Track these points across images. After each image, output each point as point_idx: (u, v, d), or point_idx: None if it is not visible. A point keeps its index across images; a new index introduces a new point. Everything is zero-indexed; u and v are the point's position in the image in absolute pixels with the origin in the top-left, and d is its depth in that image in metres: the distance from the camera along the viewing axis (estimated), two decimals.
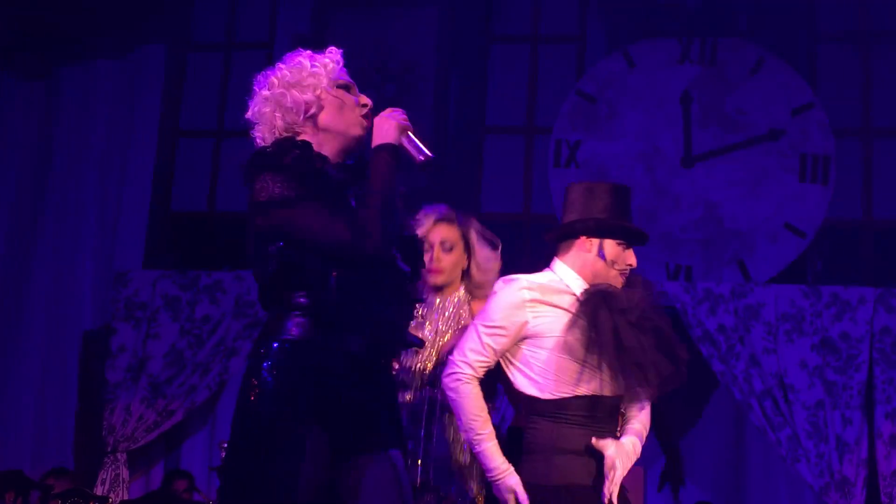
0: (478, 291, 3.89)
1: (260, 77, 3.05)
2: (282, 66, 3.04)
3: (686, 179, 7.22)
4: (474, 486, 3.76)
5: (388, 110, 3.01)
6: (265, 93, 3.00)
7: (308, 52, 3.09)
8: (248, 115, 3.03)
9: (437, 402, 3.81)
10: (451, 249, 3.90)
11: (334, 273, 2.78)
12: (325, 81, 3.01)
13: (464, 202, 7.46)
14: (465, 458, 3.78)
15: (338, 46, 6.34)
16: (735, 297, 6.78)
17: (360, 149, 3.04)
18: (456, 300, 3.95)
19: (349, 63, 8.54)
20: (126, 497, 6.29)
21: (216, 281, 7.16)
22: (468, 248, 3.95)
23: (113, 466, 6.98)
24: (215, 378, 7.09)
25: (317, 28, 7.72)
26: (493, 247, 3.97)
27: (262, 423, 2.72)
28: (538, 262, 7.83)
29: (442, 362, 3.67)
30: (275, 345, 2.77)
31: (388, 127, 2.96)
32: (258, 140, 3.00)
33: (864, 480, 6.50)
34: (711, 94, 7.29)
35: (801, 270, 7.09)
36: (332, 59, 3.10)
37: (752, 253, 7.07)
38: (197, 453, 7.31)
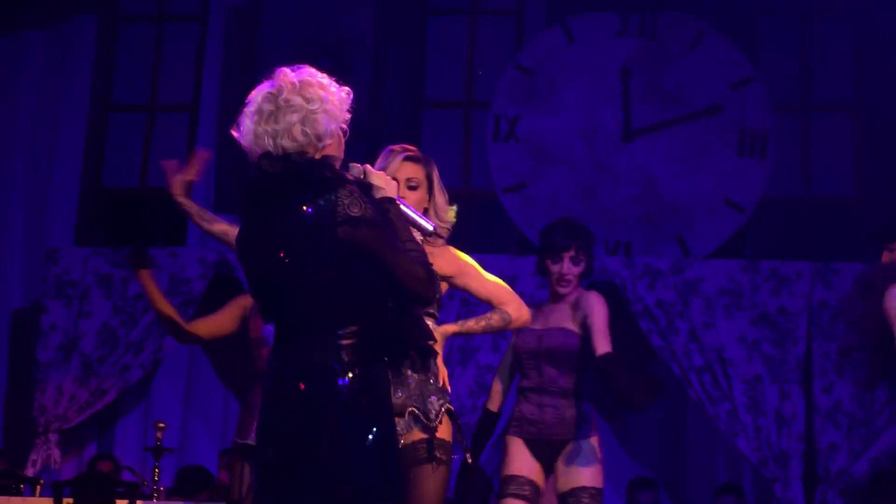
0: (428, 238, 3.85)
1: (295, 77, 2.90)
2: (311, 80, 2.91)
3: (626, 154, 7.25)
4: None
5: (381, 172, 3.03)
6: (295, 99, 2.86)
7: (305, 70, 2.97)
8: (268, 105, 2.86)
9: None
10: (415, 188, 3.87)
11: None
12: (344, 115, 2.95)
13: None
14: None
15: (273, 19, 6.28)
16: (674, 273, 6.82)
17: None
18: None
19: (284, 36, 8.45)
20: (58, 479, 6.20)
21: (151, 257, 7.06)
22: (430, 191, 3.91)
23: (44, 447, 6.87)
24: (149, 357, 7.00)
25: (252, 1, 7.60)
26: (448, 200, 3.95)
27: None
28: (477, 236, 7.84)
29: None
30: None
31: (391, 186, 2.98)
32: (254, 127, 2.87)
33: (801, 454, 6.59)
34: (651, 69, 7.31)
35: (740, 245, 7.17)
36: (348, 93, 3.00)
37: (692, 228, 7.13)
38: (131, 433, 7.24)
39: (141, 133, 7.71)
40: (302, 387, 2.79)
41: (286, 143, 2.82)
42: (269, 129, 2.84)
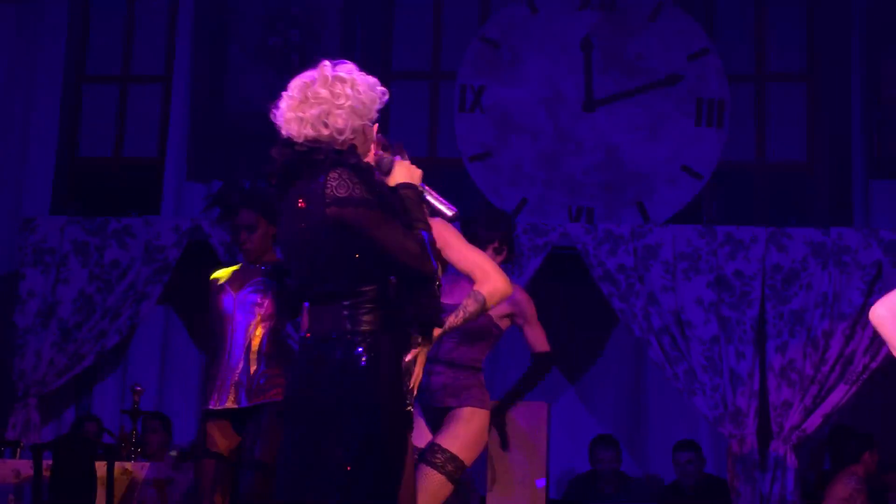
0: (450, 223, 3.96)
1: (317, 72, 3.06)
2: (344, 75, 3.07)
3: (587, 124, 7.27)
4: None
5: (409, 162, 3.17)
6: (326, 94, 3.01)
7: (359, 70, 3.14)
8: (294, 102, 3.03)
9: None
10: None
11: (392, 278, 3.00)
12: (373, 114, 3.10)
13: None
14: None
15: None
16: (634, 238, 6.85)
17: None
18: None
19: (254, 8, 8.49)
20: (38, 441, 6.26)
21: (125, 226, 7.10)
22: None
23: (24, 411, 6.94)
24: (125, 322, 7.04)
25: None
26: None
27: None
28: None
29: None
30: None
31: (414, 174, 3.14)
32: (294, 125, 3.03)
33: (755, 411, 6.64)
34: (612, 40, 7.32)
35: (697, 211, 7.21)
36: (384, 93, 3.15)
37: (651, 195, 7.16)
38: (108, 397, 7.30)
39: (115, 104, 7.73)
40: (317, 354, 2.96)
41: (308, 131, 2.99)
42: (296, 116, 3.00)
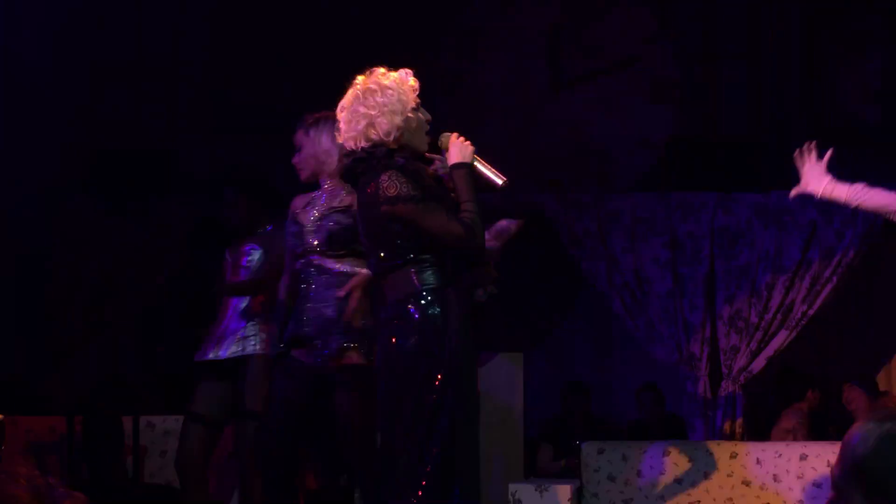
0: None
1: (355, 86, 3.25)
2: (374, 86, 3.22)
3: (554, 104, 7.31)
4: (338, 339, 3.90)
5: (461, 137, 3.31)
6: (364, 110, 3.21)
7: (388, 72, 3.28)
8: (342, 116, 3.25)
9: (313, 266, 3.96)
10: (300, 150, 4.07)
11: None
12: (409, 104, 3.24)
13: None
14: (330, 313, 3.92)
15: None
16: (597, 205, 6.85)
17: None
18: (329, 188, 4.06)
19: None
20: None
21: (143, 207, 7.13)
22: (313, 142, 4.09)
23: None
24: None
25: None
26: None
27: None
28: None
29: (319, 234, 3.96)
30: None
31: (466, 151, 3.27)
32: (345, 137, 3.26)
33: (707, 356, 6.70)
34: (574, 27, 7.33)
35: (653, 179, 7.22)
36: (409, 79, 3.30)
37: (612, 165, 7.22)
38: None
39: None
40: (395, 312, 3.20)
41: (363, 143, 3.20)
42: (349, 136, 3.23)
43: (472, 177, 3.26)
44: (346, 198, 3.94)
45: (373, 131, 3.19)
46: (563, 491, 5.20)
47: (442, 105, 7.24)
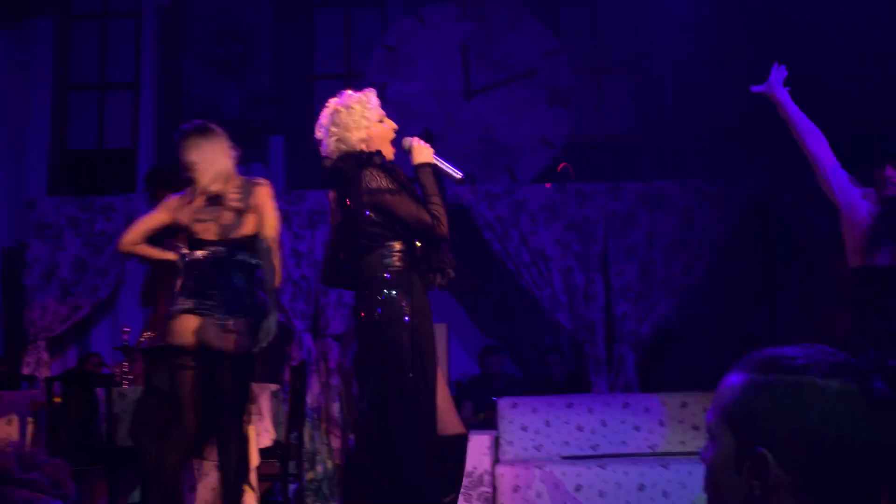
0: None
1: (327, 108, 3.40)
2: (340, 107, 3.38)
3: (468, 109, 7.30)
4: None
5: (416, 138, 3.46)
6: (333, 129, 3.36)
7: (355, 94, 3.43)
8: (319, 134, 3.41)
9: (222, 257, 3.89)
10: None
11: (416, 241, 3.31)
12: (370, 119, 3.38)
13: (299, 134, 7.47)
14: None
15: (192, 14, 6.16)
16: (507, 195, 6.88)
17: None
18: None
19: (202, 28, 8.29)
20: (48, 375, 6.17)
21: (109, 203, 6.91)
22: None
23: (35, 352, 6.80)
24: (114, 278, 6.92)
25: (176, 1, 7.45)
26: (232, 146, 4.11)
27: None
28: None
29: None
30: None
31: (425, 152, 3.41)
32: (324, 147, 3.41)
33: (603, 322, 6.74)
34: (483, 44, 7.34)
35: (553, 172, 7.24)
36: (373, 97, 3.45)
37: (518, 161, 7.21)
38: (103, 337, 7.18)
39: (96, 106, 7.58)
40: (365, 293, 3.28)
41: (338, 154, 3.35)
42: (331, 150, 3.37)
43: (434, 174, 3.34)
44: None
45: (343, 145, 3.33)
46: (483, 440, 5.22)
47: None
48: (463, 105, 7.31)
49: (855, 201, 4.00)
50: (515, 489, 5.09)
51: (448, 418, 3.34)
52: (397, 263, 3.25)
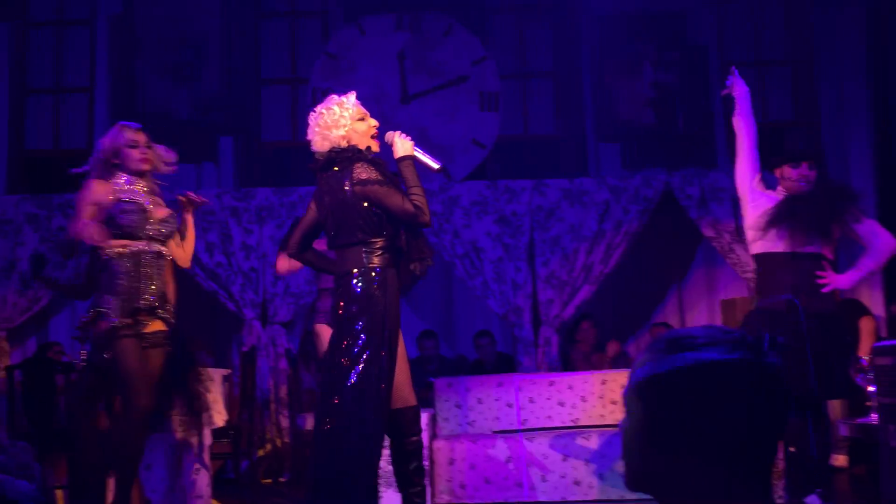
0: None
1: (314, 111, 3.46)
2: (323, 109, 3.44)
3: (405, 112, 7.26)
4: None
5: (398, 132, 3.50)
6: (316, 129, 3.41)
7: (336, 97, 3.47)
8: (309, 135, 3.44)
9: (151, 251, 3.83)
10: (150, 147, 3.94)
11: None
12: (348, 119, 3.41)
13: (248, 135, 7.38)
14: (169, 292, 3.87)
15: (145, 22, 6.04)
16: (442, 192, 6.89)
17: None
18: (151, 187, 3.96)
19: (155, 35, 8.19)
20: (9, 363, 6.02)
21: (66, 200, 6.73)
22: (151, 147, 3.95)
23: None
24: (72, 271, 6.66)
25: (128, 10, 7.30)
26: (167, 149, 4.04)
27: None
28: (303, 173, 7.84)
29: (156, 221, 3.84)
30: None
31: (406, 145, 3.45)
32: (326, 146, 3.41)
33: (530, 307, 6.79)
34: (419, 52, 7.32)
35: (483, 170, 7.27)
36: (353, 100, 3.49)
37: (452, 161, 7.16)
38: (62, 327, 7.00)
39: (52, 109, 7.37)
40: (342, 283, 3.25)
41: (327, 147, 3.39)
42: (317, 147, 3.41)
43: (415, 166, 3.37)
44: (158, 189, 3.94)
45: (326, 142, 3.36)
46: (421, 418, 5.24)
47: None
48: (400, 108, 7.28)
49: (761, 196, 4.16)
50: (451, 462, 5.11)
51: (406, 393, 3.39)
52: (375, 260, 3.25)
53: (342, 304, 3.23)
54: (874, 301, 6.94)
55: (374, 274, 3.22)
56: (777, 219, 4.04)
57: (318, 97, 7.29)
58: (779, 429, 1.14)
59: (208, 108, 7.23)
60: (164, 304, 3.79)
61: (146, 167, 3.87)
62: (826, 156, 7.23)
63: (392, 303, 3.24)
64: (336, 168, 3.33)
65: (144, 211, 3.79)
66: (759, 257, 4.18)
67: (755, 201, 4.15)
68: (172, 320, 3.81)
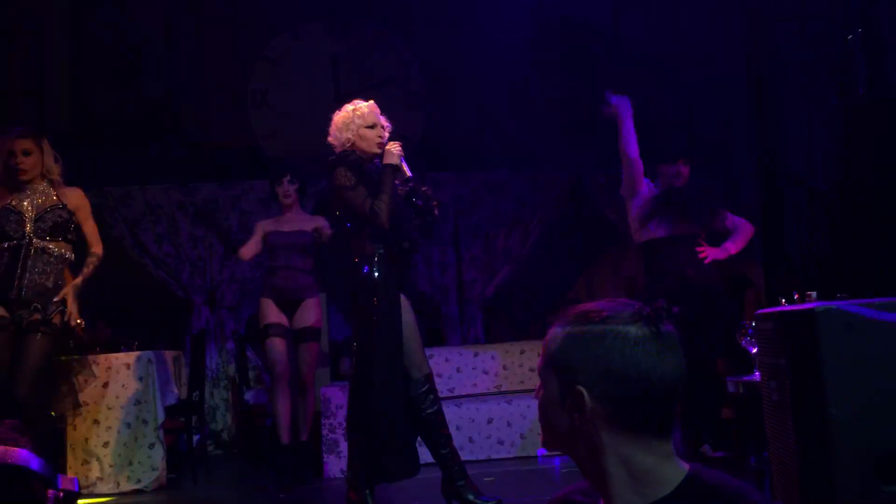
0: (53, 180, 3.88)
1: (338, 111, 3.60)
2: (340, 112, 3.59)
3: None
4: (71, 310, 3.76)
5: (397, 143, 3.52)
6: (332, 129, 3.55)
7: (357, 102, 3.62)
8: (330, 138, 3.54)
9: (31, 245, 3.76)
10: (29, 154, 3.82)
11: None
12: (357, 124, 3.54)
13: (194, 135, 7.21)
14: (49, 284, 3.76)
15: (90, 29, 5.62)
16: None
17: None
18: (41, 189, 3.86)
19: (102, 39, 7.86)
20: None
21: None
22: (42, 155, 3.85)
23: None
24: None
25: (75, 15, 7.03)
26: (57, 159, 3.91)
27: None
28: (248, 167, 7.64)
29: (37, 221, 3.76)
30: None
31: (395, 153, 3.49)
32: (335, 143, 3.54)
33: (455, 286, 6.82)
34: (351, 56, 7.25)
35: (412, 166, 7.14)
36: (367, 108, 3.62)
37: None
38: None
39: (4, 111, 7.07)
40: (349, 267, 3.39)
41: (336, 148, 3.52)
42: (333, 146, 3.54)
43: (393, 175, 3.44)
44: (52, 194, 3.84)
45: (335, 141, 3.51)
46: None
47: (254, 116, 7.16)
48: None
49: (643, 191, 4.35)
50: None
51: (419, 362, 3.48)
52: (375, 246, 3.35)
53: (352, 283, 3.35)
54: (756, 275, 7.16)
55: (375, 257, 3.34)
56: (658, 210, 4.25)
57: (258, 98, 7.22)
58: (677, 389, 1.16)
59: (154, 108, 7.04)
60: (40, 297, 3.71)
61: (23, 178, 3.78)
62: (708, 152, 7.41)
63: (390, 283, 3.33)
64: (333, 167, 3.45)
65: (20, 213, 3.75)
66: (645, 245, 4.38)
67: (639, 199, 4.38)
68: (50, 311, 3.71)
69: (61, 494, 1.95)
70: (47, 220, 3.77)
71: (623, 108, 4.29)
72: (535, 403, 1.26)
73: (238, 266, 6.68)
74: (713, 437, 4.34)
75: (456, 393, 5.49)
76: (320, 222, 4.67)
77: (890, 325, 1.91)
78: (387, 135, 3.55)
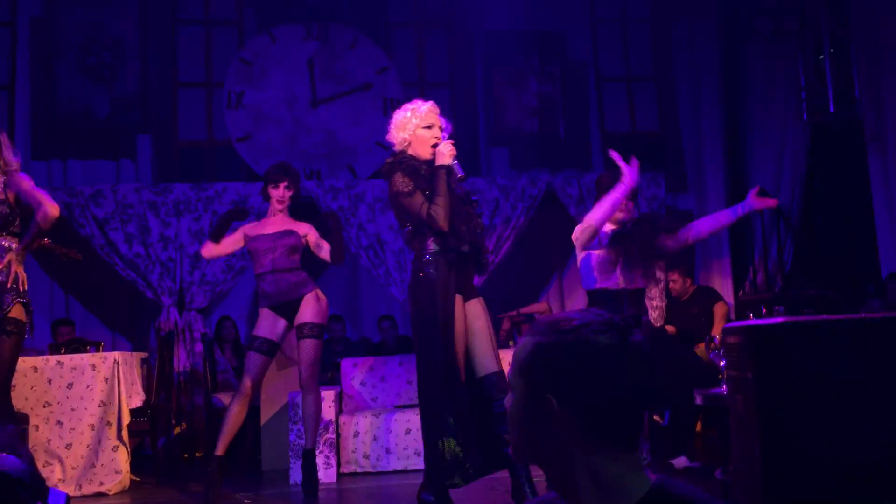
0: (10, 172, 3.67)
1: (398, 110, 3.52)
2: (399, 111, 3.49)
3: (314, 115, 7.19)
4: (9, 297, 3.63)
5: (448, 142, 3.40)
6: (391, 127, 3.48)
7: (416, 102, 3.50)
8: (389, 136, 3.48)
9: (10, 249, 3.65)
10: None
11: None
12: (414, 124, 3.43)
13: (166, 133, 7.14)
14: (1, 278, 3.62)
15: (65, 25, 5.63)
16: (348, 189, 6.85)
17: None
18: None
19: (74, 37, 7.86)
20: None
21: None
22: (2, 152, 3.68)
23: None
24: None
25: (48, 12, 6.95)
26: (16, 152, 3.76)
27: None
28: (221, 170, 7.64)
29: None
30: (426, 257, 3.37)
31: (446, 154, 3.37)
32: (393, 142, 3.48)
33: None
34: (327, 60, 7.25)
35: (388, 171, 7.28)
36: (426, 108, 3.48)
37: (357, 160, 7.18)
38: None
39: None
40: (413, 267, 3.38)
41: (393, 147, 3.48)
42: (392, 143, 3.48)
43: (448, 176, 3.34)
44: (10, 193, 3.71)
45: (394, 140, 3.45)
46: (329, 395, 5.18)
47: (230, 116, 7.12)
48: (310, 112, 7.19)
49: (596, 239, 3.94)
50: (356, 434, 5.09)
51: (487, 361, 3.41)
52: (433, 247, 3.32)
53: (413, 281, 3.35)
54: (725, 289, 7.24)
55: (431, 258, 3.31)
56: (610, 257, 3.86)
57: (233, 99, 7.18)
58: (644, 398, 1.16)
59: (127, 107, 6.97)
60: None
61: None
62: (686, 164, 7.50)
63: (446, 283, 3.29)
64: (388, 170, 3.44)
65: None
66: (594, 293, 3.87)
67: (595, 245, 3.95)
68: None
69: None
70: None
71: (628, 178, 3.78)
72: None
73: (209, 267, 6.62)
74: (687, 450, 4.35)
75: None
76: (306, 229, 4.49)
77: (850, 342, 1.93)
78: (445, 136, 3.42)
